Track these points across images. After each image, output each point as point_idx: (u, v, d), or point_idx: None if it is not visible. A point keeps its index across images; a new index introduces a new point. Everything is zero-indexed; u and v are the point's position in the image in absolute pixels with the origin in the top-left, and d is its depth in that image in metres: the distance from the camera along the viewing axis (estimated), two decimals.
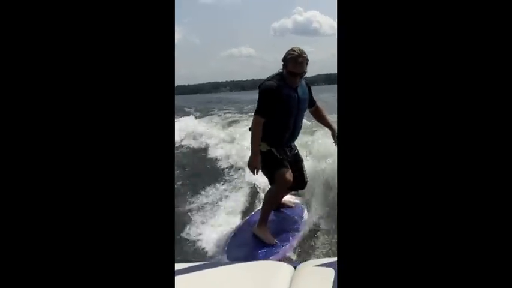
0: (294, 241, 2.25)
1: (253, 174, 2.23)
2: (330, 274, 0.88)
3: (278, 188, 2.25)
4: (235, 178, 3.94)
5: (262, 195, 3.01)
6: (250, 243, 2.22)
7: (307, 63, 2.17)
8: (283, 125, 2.23)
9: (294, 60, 2.11)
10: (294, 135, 2.35)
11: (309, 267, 1.03)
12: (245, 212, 2.92)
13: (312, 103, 2.43)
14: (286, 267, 0.98)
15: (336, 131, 2.43)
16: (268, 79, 2.20)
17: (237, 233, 2.41)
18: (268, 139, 2.19)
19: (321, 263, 1.07)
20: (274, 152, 2.23)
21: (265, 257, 2.06)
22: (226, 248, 2.19)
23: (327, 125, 2.52)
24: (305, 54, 2.14)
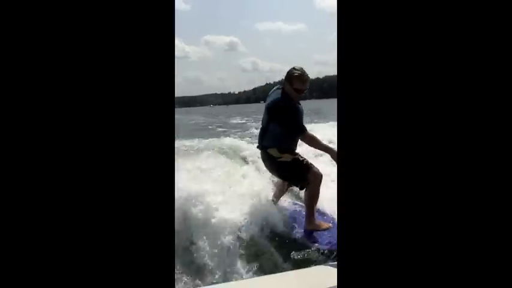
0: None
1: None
2: None
3: (316, 185, 2.43)
4: None
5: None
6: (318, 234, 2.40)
7: (309, 81, 2.45)
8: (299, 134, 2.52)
9: (300, 78, 2.36)
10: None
11: None
12: None
13: None
14: None
15: None
16: (281, 99, 2.40)
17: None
18: (289, 149, 2.47)
19: None
20: (300, 158, 2.50)
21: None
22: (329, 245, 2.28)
23: None
24: (306, 72, 2.41)
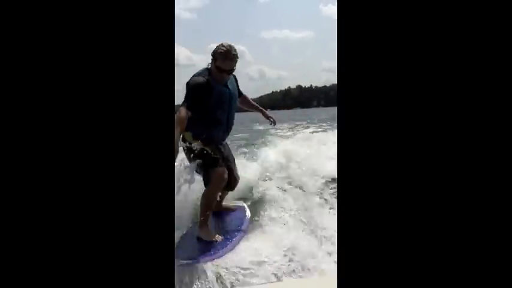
0: (236, 239, 2.23)
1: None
2: None
3: (214, 186, 2.15)
4: None
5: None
6: (195, 245, 2.19)
7: (236, 60, 2.05)
8: (216, 121, 2.15)
9: (224, 56, 1.99)
10: (227, 132, 2.27)
11: None
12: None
13: (239, 94, 2.40)
14: None
15: (265, 112, 2.64)
16: (196, 74, 2.07)
17: (186, 235, 2.40)
18: (202, 137, 2.10)
19: None
20: (208, 151, 2.15)
21: (209, 257, 2.00)
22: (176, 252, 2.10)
23: (257, 109, 2.64)
24: (235, 51, 2.03)
